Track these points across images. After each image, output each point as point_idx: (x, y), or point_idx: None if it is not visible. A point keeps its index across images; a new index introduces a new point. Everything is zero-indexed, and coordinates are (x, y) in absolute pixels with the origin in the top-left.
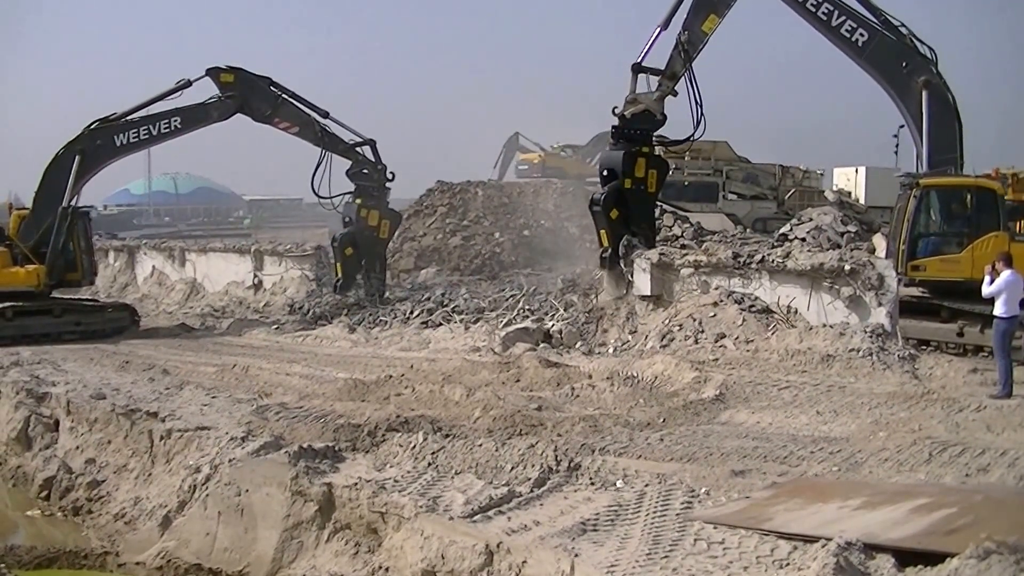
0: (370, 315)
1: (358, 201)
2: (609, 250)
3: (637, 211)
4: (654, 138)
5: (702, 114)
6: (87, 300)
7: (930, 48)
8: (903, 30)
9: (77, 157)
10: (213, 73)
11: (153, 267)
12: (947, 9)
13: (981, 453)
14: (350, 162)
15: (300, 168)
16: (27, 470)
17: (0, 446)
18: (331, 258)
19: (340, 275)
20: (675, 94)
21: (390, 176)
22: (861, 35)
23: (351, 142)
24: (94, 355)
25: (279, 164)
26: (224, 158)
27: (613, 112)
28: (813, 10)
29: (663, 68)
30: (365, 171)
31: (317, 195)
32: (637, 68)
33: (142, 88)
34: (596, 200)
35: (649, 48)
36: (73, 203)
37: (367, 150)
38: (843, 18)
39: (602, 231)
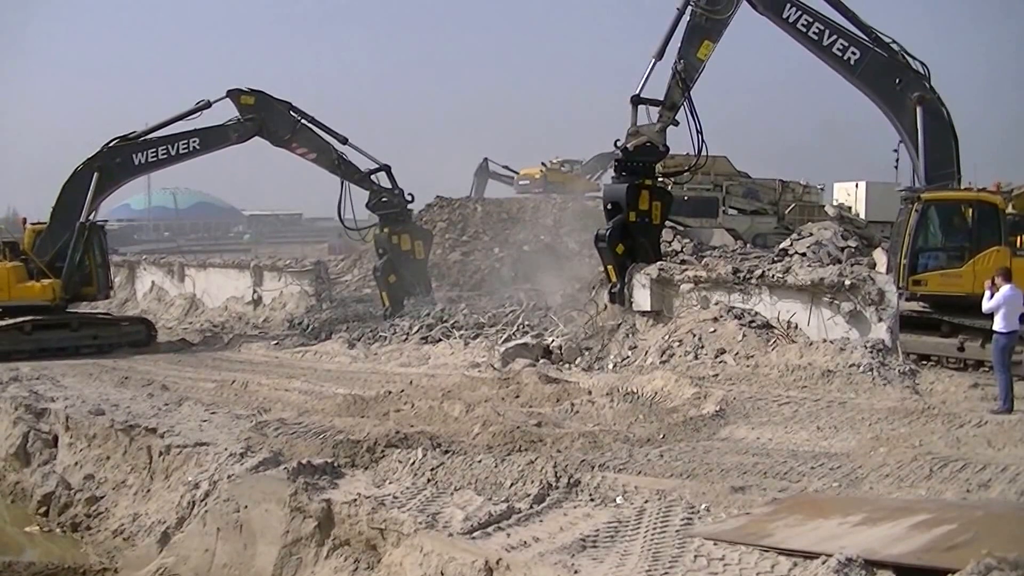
0: (370, 330)
1: (386, 230)
2: (618, 285)
3: (643, 243)
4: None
5: (703, 141)
6: (101, 314)
7: (922, 63)
8: (895, 47)
9: (95, 174)
10: (234, 95)
11: (152, 282)
12: (951, 20)
13: (982, 469)
14: (367, 193)
15: (300, 184)
16: (26, 486)
17: None
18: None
19: (388, 303)
20: (676, 124)
21: (409, 198)
22: (853, 53)
23: (366, 170)
24: (93, 370)
25: (279, 179)
26: (224, 173)
27: (615, 145)
28: (804, 30)
29: (662, 99)
30: (384, 199)
31: (345, 227)
32: (636, 100)
33: (145, 105)
34: (601, 236)
35: (646, 79)
36: (91, 219)
37: (382, 176)
38: (834, 37)
39: (609, 267)
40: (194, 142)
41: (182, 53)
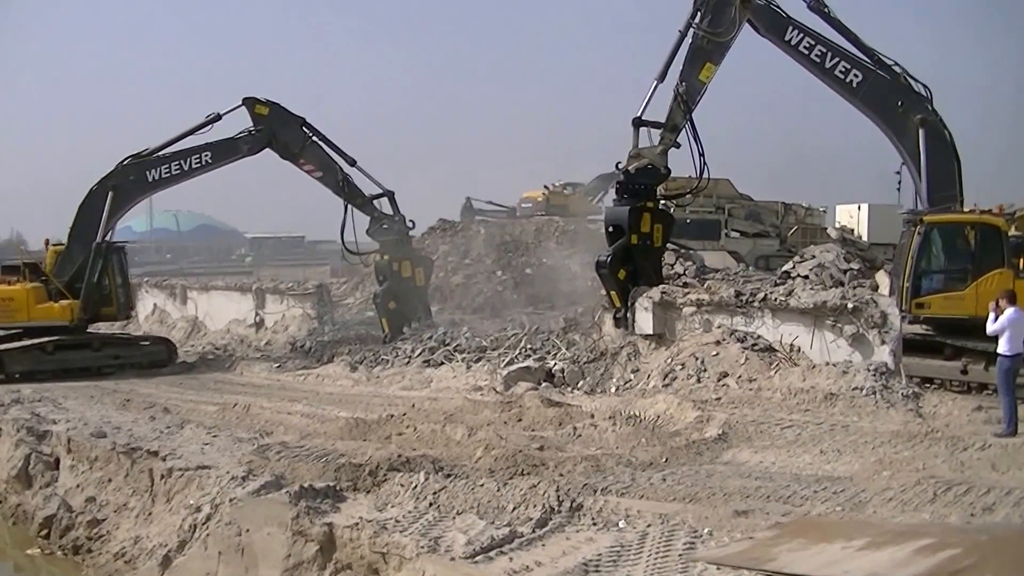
0: (372, 354)
1: (386, 256)
2: (623, 311)
3: (644, 266)
4: (662, 192)
5: (704, 163)
6: (120, 334)
7: (924, 86)
8: (897, 69)
9: (110, 193)
10: (249, 103)
11: (155, 305)
12: (955, 39)
13: (986, 492)
14: (368, 219)
15: (303, 206)
16: (27, 508)
17: (0, 484)
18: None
19: (387, 330)
20: (678, 146)
21: (410, 224)
22: (855, 76)
23: (369, 195)
24: (95, 393)
25: (281, 201)
26: (226, 195)
27: (616, 167)
28: (806, 52)
29: (663, 121)
30: (385, 226)
31: (347, 250)
32: (638, 122)
33: (153, 122)
34: (602, 262)
35: (648, 101)
36: (107, 238)
37: (384, 202)
38: (836, 60)
39: (612, 292)
40: (206, 156)
41: (187, 74)
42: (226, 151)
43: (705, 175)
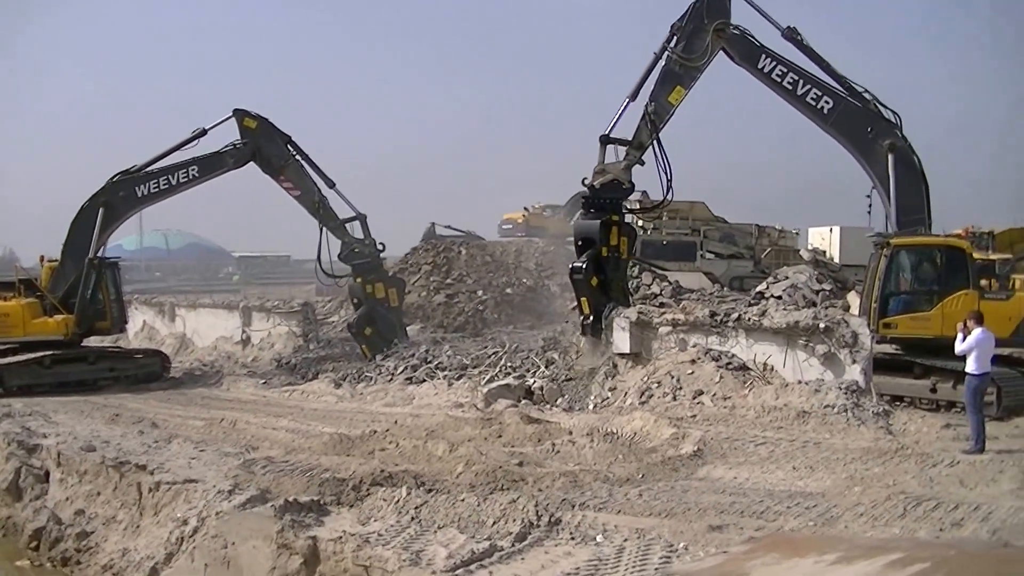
0: (356, 371)
1: (359, 280)
2: (591, 317)
3: (613, 277)
4: (626, 207)
5: (671, 181)
6: (112, 347)
7: (894, 112)
8: (867, 96)
9: (101, 209)
10: (239, 115)
11: (144, 322)
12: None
13: (955, 508)
14: (340, 243)
15: (289, 225)
16: (17, 520)
17: None
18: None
19: (368, 354)
20: (642, 163)
21: (381, 247)
22: (826, 103)
23: (342, 219)
24: (84, 408)
25: (268, 221)
26: (214, 215)
27: (583, 183)
28: (779, 80)
29: (630, 138)
30: (356, 249)
31: (324, 273)
32: (605, 139)
33: (141, 140)
34: (577, 268)
35: (618, 119)
36: (100, 254)
37: (356, 226)
38: (808, 87)
39: (583, 299)
40: (193, 170)
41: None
42: (212, 165)
43: (671, 193)
